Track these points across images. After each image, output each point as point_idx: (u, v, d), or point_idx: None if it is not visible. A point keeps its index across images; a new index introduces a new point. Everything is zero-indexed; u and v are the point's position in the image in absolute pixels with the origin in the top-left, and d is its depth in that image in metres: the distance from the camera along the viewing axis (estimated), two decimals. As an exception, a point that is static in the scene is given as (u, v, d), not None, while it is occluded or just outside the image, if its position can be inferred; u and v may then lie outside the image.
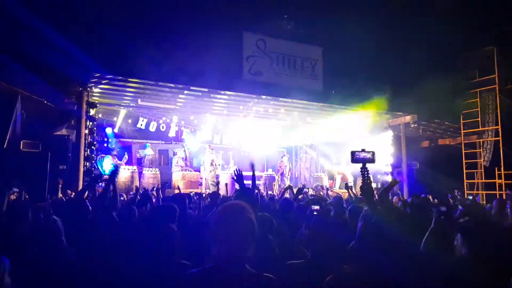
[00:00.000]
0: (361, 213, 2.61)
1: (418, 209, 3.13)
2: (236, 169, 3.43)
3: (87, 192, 4.66)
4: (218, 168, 13.80)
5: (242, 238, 1.64)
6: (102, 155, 13.35)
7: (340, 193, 8.73)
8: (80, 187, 8.89)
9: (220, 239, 1.65)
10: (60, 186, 7.52)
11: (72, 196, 7.40)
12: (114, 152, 13.36)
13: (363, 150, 2.75)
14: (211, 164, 13.15)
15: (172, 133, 14.12)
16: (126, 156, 13.88)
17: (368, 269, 1.97)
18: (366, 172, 2.70)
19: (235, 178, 3.27)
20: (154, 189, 6.52)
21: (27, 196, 5.49)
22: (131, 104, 12.28)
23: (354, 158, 2.74)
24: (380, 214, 2.66)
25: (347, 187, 6.13)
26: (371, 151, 2.73)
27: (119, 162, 13.16)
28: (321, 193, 7.20)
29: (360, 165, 2.71)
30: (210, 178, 12.89)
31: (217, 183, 9.46)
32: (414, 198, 3.84)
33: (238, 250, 1.63)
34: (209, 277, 1.65)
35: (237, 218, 1.68)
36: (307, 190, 7.72)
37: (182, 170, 13.46)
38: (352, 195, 6.14)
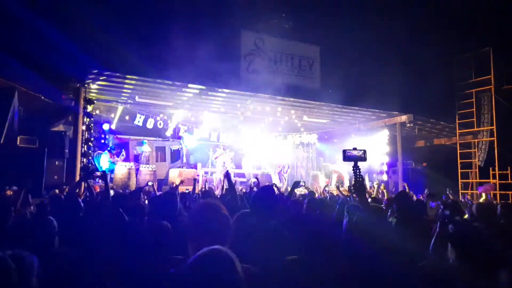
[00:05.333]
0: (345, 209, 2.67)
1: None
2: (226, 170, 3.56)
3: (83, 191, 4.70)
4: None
5: (218, 234, 1.70)
6: (99, 151, 13.36)
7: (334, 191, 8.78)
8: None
9: (196, 236, 1.71)
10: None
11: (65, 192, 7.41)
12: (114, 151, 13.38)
13: (354, 149, 2.81)
14: (223, 165, 13.74)
15: (169, 131, 14.15)
16: (123, 153, 13.90)
17: (355, 263, 2.03)
18: (358, 171, 2.76)
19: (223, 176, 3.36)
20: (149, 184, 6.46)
21: (27, 193, 5.50)
22: (129, 101, 12.30)
23: (346, 156, 2.80)
24: (370, 211, 2.73)
25: (338, 187, 6.21)
26: (363, 150, 2.79)
27: (116, 158, 13.17)
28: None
29: (352, 163, 2.77)
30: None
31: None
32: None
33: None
34: (187, 276, 1.58)
35: (213, 215, 1.76)
36: (303, 184, 7.74)
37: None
38: (341, 194, 6.20)
